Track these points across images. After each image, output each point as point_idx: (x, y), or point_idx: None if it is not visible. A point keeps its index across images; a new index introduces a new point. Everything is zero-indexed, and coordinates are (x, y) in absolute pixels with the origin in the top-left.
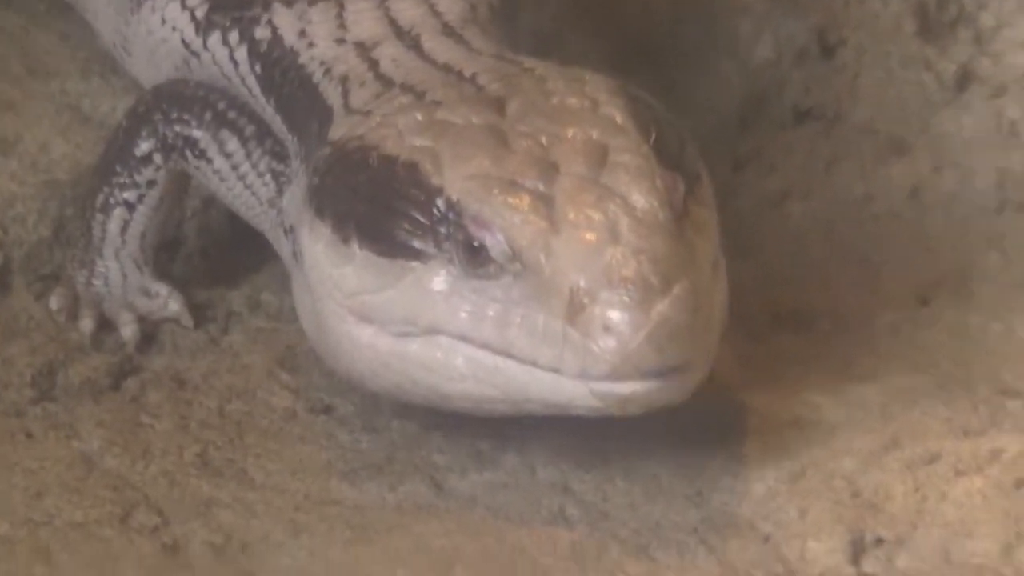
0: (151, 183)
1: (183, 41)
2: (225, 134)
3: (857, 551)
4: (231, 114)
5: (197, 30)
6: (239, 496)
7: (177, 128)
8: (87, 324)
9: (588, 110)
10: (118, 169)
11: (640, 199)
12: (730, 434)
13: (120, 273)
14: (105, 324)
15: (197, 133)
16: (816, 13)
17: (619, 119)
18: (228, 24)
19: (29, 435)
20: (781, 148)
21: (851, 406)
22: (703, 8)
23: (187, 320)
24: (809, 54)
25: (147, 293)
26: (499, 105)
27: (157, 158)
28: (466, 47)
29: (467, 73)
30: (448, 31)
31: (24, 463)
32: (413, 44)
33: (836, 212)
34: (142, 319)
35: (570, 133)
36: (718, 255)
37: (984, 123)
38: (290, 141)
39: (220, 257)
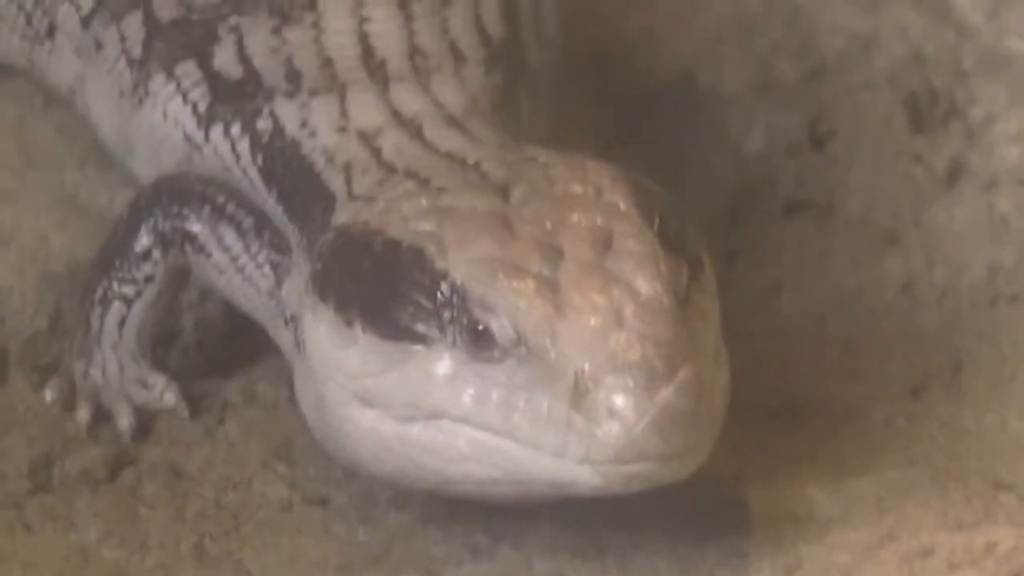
0: (149, 279)
1: (185, 135)
2: (223, 228)
3: None
4: (229, 208)
5: (199, 123)
6: None
7: (176, 223)
8: (84, 414)
9: (592, 196)
10: (117, 263)
11: (645, 285)
12: (726, 528)
13: (117, 364)
14: (102, 415)
15: (196, 228)
16: (806, 105)
17: (623, 205)
18: (230, 117)
19: (27, 527)
20: (773, 241)
21: (846, 500)
22: (691, 100)
23: (183, 411)
24: (800, 146)
25: (144, 384)
26: (503, 191)
27: (156, 254)
28: (468, 136)
29: (470, 160)
30: (450, 121)
31: (21, 555)
32: (415, 133)
33: (828, 305)
34: (138, 410)
35: (574, 219)
36: (719, 343)
37: (976, 216)
38: (291, 231)
39: (216, 349)
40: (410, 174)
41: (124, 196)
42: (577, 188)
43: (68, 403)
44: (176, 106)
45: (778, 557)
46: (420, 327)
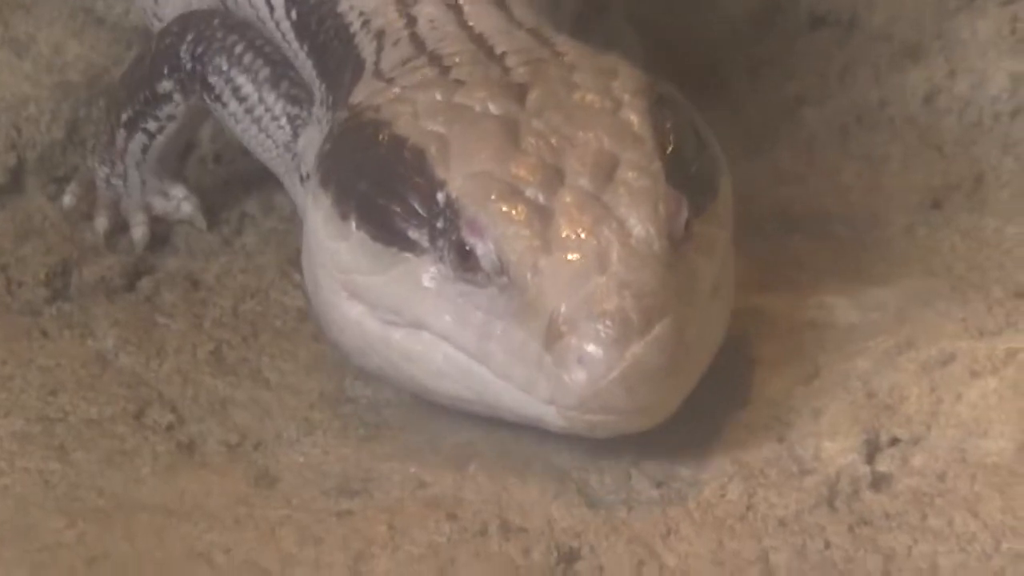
0: (171, 117)
1: None
2: (240, 78)
3: (872, 450)
4: (247, 58)
5: None
6: (254, 395)
7: (196, 68)
8: (102, 223)
9: (608, 112)
10: (141, 98)
11: (637, 225)
12: (744, 336)
13: (139, 179)
14: (119, 224)
15: (213, 79)
16: None
17: (637, 126)
18: None
19: (44, 333)
20: (796, 54)
21: (866, 308)
22: None
23: (200, 222)
24: None
25: (164, 195)
26: (520, 93)
27: (177, 97)
28: (506, 16)
29: (497, 50)
30: None
31: (39, 361)
32: (454, 5)
33: (850, 117)
34: (156, 220)
35: (583, 137)
36: (724, 276)
37: (998, 28)
38: (317, 87)
39: (233, 161)
40: (435, 58)
41: (139, 7)
42: (595, 100)
43: (87, 211)
44: None
45: (797, 365)
46: (412, 234)
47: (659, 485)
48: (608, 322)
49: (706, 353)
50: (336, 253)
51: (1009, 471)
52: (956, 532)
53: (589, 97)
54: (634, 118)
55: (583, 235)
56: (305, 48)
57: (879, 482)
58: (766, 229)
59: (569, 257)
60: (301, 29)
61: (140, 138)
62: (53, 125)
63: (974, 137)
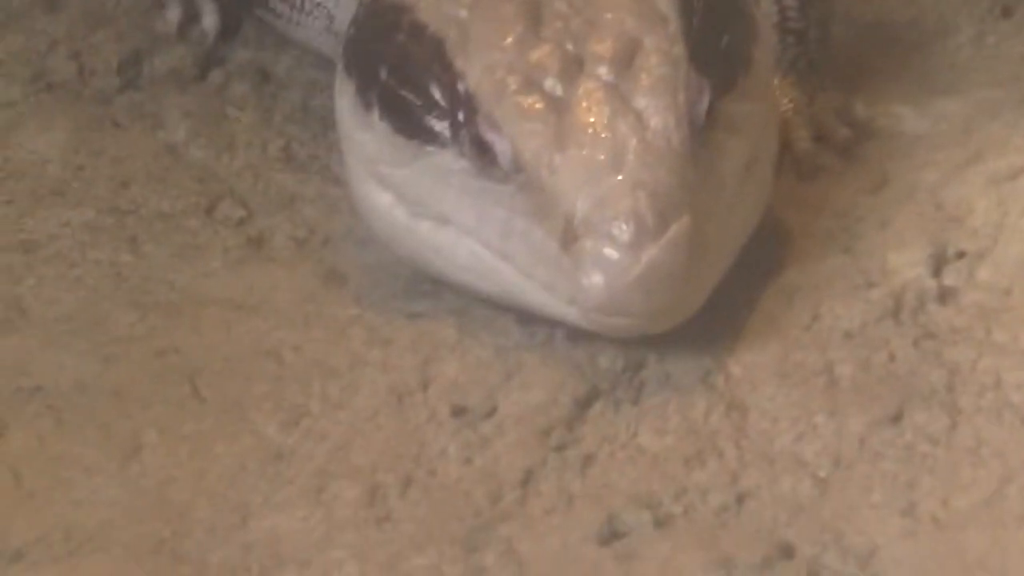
0: None
1: None
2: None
3: (938, 264)
4: None
5: None
6: (323, 192)
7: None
8: (174, 13)
9: None
10: None
11: (655, 117)
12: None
13: None
14: (191, 14)
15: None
16: None
17: (663, 4)
18: None
19: (115, 123)
20: None
21: (934, 118)
22: None
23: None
24: None
25: None
26: None
27: None
28: None
29: None
30: None
31: (111, 151)
32: None
33: None
34: (225, 9)
35: (606, 19)
36: (762, 150)
37: None
38: None
39: None
40: None
41: None
42: None
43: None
44: None
45: (863, 174)
46: (434, 126)
47: (727, 294)
48: (623, 224)
49: (735, 239)
50: (362, 143)
51: None
52: (1021, 347)
53: None
54: None
55: (598, 130)
56: None
57: (945, 295)
58: (831, 32)
59: (584, 154)
60: None
61: None
62: None
63: None
